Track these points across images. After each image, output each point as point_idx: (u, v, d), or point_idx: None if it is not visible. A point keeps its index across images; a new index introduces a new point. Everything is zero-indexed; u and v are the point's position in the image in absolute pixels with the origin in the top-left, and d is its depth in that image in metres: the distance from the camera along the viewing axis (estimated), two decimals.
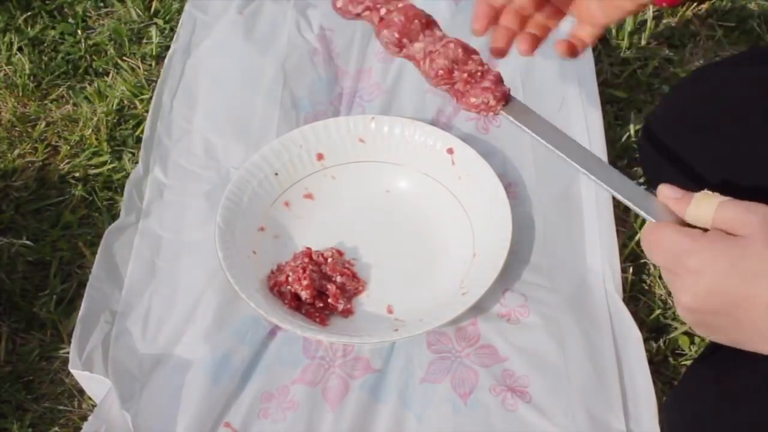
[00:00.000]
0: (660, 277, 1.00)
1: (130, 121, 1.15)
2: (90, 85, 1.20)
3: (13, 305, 0.97)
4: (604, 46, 1.24)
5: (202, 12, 1.25)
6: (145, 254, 0.99)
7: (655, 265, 1.01)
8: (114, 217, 1.03)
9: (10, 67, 1.22)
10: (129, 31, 1.26)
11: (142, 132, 1.11)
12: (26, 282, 1.00)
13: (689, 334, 0.95)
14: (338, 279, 0.94)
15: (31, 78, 1.20)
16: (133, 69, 1.21)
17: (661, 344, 0.94)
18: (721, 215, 0.56)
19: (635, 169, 1.10)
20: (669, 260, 0.57)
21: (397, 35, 0.75)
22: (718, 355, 0.72)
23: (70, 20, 1.29)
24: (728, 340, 0.58)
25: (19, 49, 1.24)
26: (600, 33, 0.80)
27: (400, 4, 0.76)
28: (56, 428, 0.89)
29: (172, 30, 1.25)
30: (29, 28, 1.27)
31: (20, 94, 1.19)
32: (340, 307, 0.93)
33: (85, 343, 0.90)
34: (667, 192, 0.61)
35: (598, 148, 1.07)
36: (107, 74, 1.21)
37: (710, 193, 0.59)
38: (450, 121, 1.11)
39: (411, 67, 1.13)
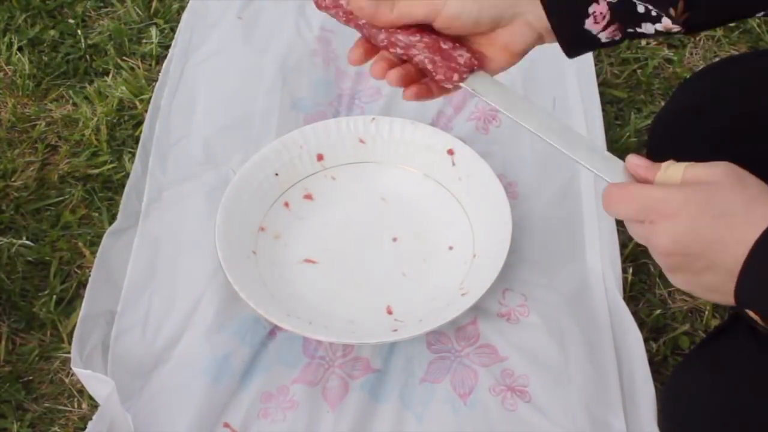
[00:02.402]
0: (660, 277, 1.00)
1: (130, 121, 1.15)
2: (90, 85, 1.20)
3: (13, 305, 0.97)
4: None
5: (200, 18, 1.25)
6: (144, 255, 0.99)
7: (654, 266, 1.01)
8: (113, 217, 1.03)
9: (10, 67, 1.22)
10: (129, 31, 1.26)
11: (141, 132, 1.11)
12: (26, 282, 1.00)
13: (689, 334, 0.95)
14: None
15: (31, 78, 1.20)
16: (133, 69, 1.21)
17: (661, 344, 0.94)
18: (688, 174, 0.60)
19: None
20: (641, 211, 0.60)
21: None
22: (712, 346, 0.73)
23: (70, 20, 1.29)
24: (699, 287, 0.60)
25: (19, 49, 1.24)
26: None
27: None
28: (56, 428, 0.89)
29: (172, 30, 1.25)
30: (29, 28, 1.27)
31: (20, 94, 1.19)
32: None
33: (85, 343, 0.90)
34: (636, 161, 0.63)
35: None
36: (107, 74, 1.21)
37: (674, 162, 0.61)
38: (450, 122, 1.11)
39: None
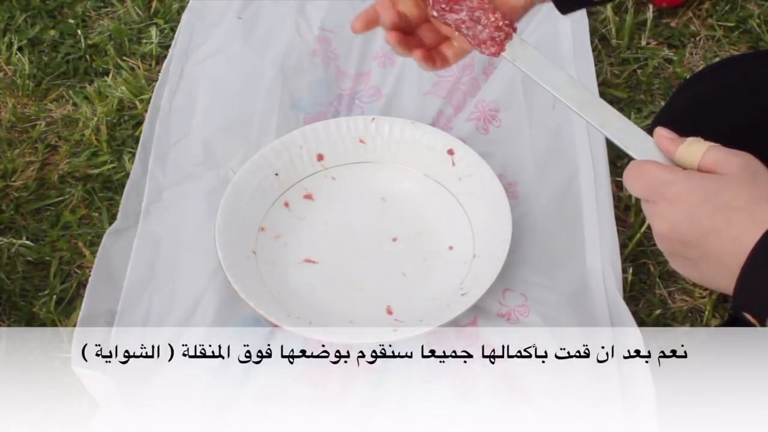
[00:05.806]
0: (660, 277, 1.00)
1: (130, 121, 1.15)
2: (90, 85, 1.20)
3: (13, 305, 0.97)
4: (604, 46, 1.24)
5: (200, 18, 1.25)
6: (144, 255, 0.99)
7: (654, 266, 1.01)
8: (113, 216, 1.03)
9: (10, 67, 1.22)
10: (129, 31, 1.26)
11: (141, 132, 1.11)
12: (26, 282, 1.00)
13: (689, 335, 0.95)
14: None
15: (31, 78, 1.20)
16: (133, 69, 1.21)
17: (661, 344, 0.94)
18: (708, 155, 0.60)
19: None
20: (648, 191, 0.60)
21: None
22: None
23: (70, 20, 1.29)
24: (697, 274, 0.60)
25: (19, 49, 1.24)
26: (464, 54, 0.77)
27: None
28: (56, 428, 0.89)
29: (173, 30, 1.25)
30: (29, 28, 1.27)
31: (20, 94, 1.19)
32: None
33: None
34: (662, 132, 0.64)
35: (598, 146, 1.07)
36: (107, 74, 1.21)
37: (701, 139, 0.62)
38: (450, 122, 1.11)
39: (411, 68, 1.13)
